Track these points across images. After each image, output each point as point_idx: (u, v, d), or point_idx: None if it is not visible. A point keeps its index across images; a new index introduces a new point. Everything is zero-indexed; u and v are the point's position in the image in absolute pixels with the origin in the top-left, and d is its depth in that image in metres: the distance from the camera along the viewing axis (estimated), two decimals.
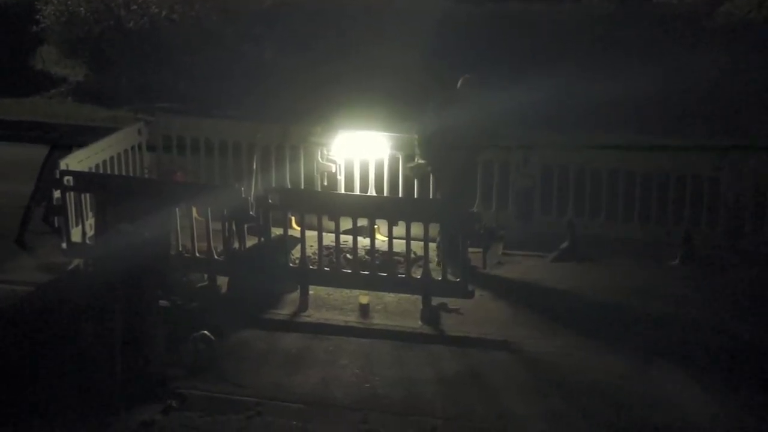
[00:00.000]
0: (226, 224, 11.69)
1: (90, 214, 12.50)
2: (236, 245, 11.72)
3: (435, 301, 11.36)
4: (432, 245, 11.68)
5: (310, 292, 11.65)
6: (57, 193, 12.06)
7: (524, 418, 9.28)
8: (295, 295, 11.61)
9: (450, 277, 11.36)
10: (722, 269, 12.44)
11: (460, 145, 12.15)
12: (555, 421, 9.23)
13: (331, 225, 11.58)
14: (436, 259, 11.95)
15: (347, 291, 11.74)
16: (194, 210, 12.09)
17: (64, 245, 12.26)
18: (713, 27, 18.37)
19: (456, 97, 12.35)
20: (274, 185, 13.43)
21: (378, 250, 11.81)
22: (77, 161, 12.47)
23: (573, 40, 18.64)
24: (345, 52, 19.19)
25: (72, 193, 12.12)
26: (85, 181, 12.14)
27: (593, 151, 13.63)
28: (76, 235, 12.28)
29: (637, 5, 21.19)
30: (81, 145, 13.00)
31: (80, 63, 22.94)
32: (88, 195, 12.33)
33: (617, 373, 10.00)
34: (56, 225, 12.46)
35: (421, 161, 12.48)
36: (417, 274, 11.55)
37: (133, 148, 13.89)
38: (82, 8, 21.69)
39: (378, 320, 11.24)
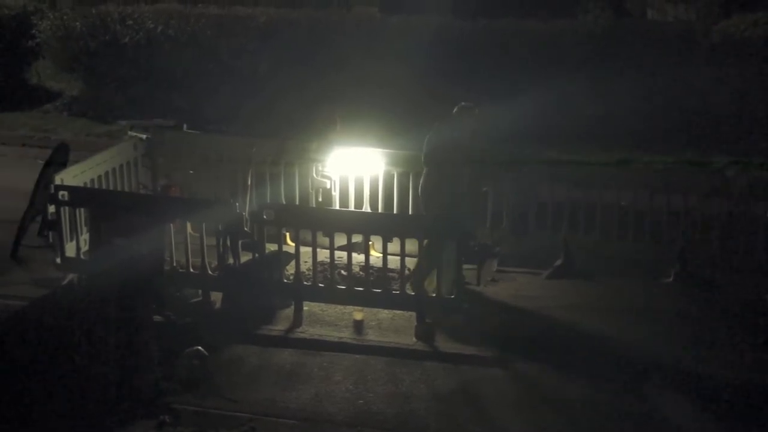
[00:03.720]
0: (221, 240, 11.69)
1: (85, 229, 12.50)
2: (231, 261, 11.72)
3: (429, 317, 11.36)
4: None
5: (305, 307, 11.65)
6: (52, 208, 12.06)
7: None
8: (290, 310, 11.62)
9: (443, 293, 11.43)
10: (716, 287, 12.45)
11: (452, 162, 12.16)
12: None
13: (326, 241, 11.59)
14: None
15: (341, 307, 11.75)
16: (189, 225, 12.11)
17: (58, 260, 12.26)
18: (709, 45, 18.40)
19: (452, 123, 12.36)
20: (268, 201, 13.44)
21: (372, 267, 11.82)
22: (72, 176, 12.47)
23: (568, 56, 18.68)
24: (340, 67, 19.21)
25: (67, 208, 12.12)
26: (80, 196, 12.14)
27: (588, 168, 13.65)
28: (70, 250, 12.28)
29: (633, 22, 21.27)
30: (76, 159, 13.00)
31: (76, 78, 22.94)
32: (82, 210, 12.33)
33: (611, 389, 10.01)
34: (51, 240, 12.46)
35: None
36: (411, 290, 11.55)
37: (128, 163, 13.89)
38: (77, 23, 21.70)
39: (372, 336, 11.24)
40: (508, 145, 14.42)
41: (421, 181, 12.39)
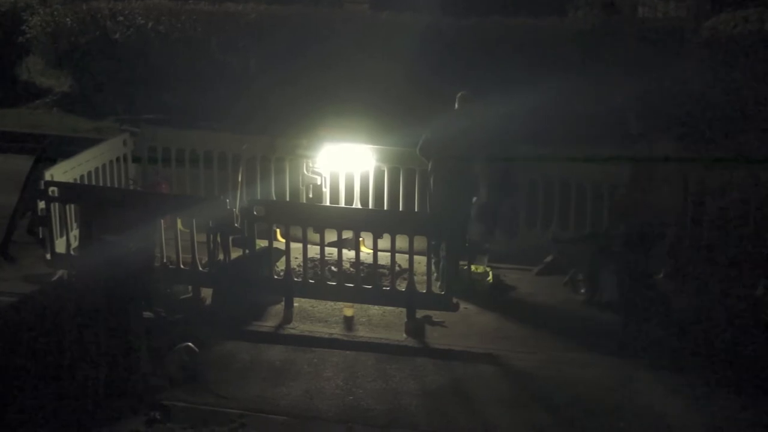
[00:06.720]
0: (211, 236, 11.68)
1: (74, 225, 12.48)
2: (221, 257, 11.71)
3: (420, 313, 11.37)
4: (417, 258, 11.65)
5: (295, 304, 11.66)
6: (42, 204, 12.04)
7: (508, 431, 9.29)
8: (280, 307, 11.62)
9: (435, 289, 11.45)
10: (706, 282, 12.46)
11: (450, 155, 12.18)
12: None
13: (317, 237, 11.58)
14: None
15: (332, 303, 11.75)
16: (179, 221, 12.09)
17: (48, 256, 12.24)
18: (698, 42, 18.42)
19: (455, 114, 12.41)
20: (259, 197, 13.44)
21: (363, 263, 11.82)
22: (62, 172, 12.46)
23: (558, 54, 18.68)
24: (330, 64, 19.20)
25: (57, 204, 12.11)
26: (69, 192, 12.12)
27: (578, 165, 13.65)
28: (60, 246, 12.27)
29: (623, 20, 21.27)
30: (66, 156, 12.98)
31: (66, 74, 22.90)
32: (72, 206, 12.32)
33: (601, 385, 10.03)
34: (41, 236, 12.44)
35: None
36: (402, 286, 11.55)
37: (118, 159, 13.89)
38: (68, 19, 21.65)
39: (362, 333, 11.25)
40: (498, 143, 14.38)
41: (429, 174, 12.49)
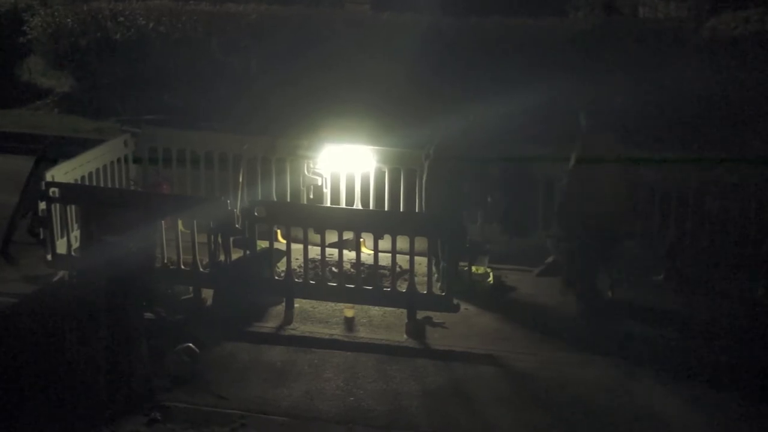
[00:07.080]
0: (212, 237, 11.68)
1: (75, 225, 12.49)
2: (222, 258, 11.71)
3: (420, 314, 11.37)
4: (417, 258, 11.66)
5: (296, 305, 11.66)
6: (43, 205, 12.04)
7: None
8: (280, 308, 11.62)
9: (435, 290, 11.45)
10: (706, 284, 12.46)
11: (449, 156, 12.21)
12: None
13: (317, 238, 11.58)
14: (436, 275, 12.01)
15: (332, 304, 11.74)
16: (180, 222, 12.09)
17: (49, 257, 12.23)
18: (699, 42, 18.41)
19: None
20: (260, 198, 13.44)
21: (363, 264, 11.82)
22: (63, 173, 12.45)
23: (558, 54, 18.68)
24: (331, 65, 19.21)
25: (57, 205, 12.10)
26: (70, 192, 12.12)
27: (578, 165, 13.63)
28: (61, 247, 12.27)
29: (623, 20, 21.28)
30: (67, 156, 12.98)
31: (66, 74, 22.92)
32: (73, 207, 12.32)
33: (602, 386, 10.03)
34: (41, 236, 12.44)
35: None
36: (402, 287, 11.56)
37: (119, 160, 13.88)
38: (69, 20, 21.68)
39: (363, 334, 11.25)
40: (498, 144, 14.39)
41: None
